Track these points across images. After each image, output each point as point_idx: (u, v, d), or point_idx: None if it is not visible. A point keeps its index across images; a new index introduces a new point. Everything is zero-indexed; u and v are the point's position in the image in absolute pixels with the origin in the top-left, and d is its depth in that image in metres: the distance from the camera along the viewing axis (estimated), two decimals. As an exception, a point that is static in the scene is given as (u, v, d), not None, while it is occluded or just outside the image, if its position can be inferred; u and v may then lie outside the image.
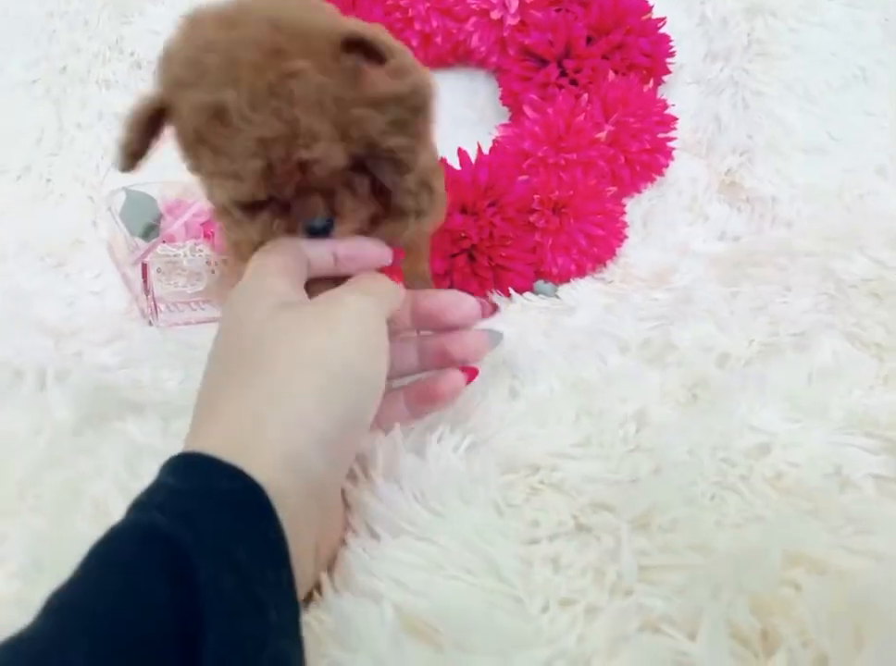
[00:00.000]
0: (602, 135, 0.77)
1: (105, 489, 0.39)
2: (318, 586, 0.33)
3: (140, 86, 0.86)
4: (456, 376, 0.44)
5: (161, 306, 0.69)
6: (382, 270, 0.41)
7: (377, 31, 0.36)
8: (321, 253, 0.39)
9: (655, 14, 0.80)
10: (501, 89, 0.85)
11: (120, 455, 0.42)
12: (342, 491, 0.38)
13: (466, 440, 0.42)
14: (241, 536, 0.27)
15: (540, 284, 0.77)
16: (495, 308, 0.48)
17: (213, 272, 0.71)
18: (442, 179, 0.47)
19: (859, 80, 0.84)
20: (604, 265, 0.79)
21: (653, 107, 0.80)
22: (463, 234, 0.72)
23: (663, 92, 0.83)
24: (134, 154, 0.37)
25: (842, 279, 0.58)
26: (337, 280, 0.40)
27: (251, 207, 0.38)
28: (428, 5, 0.81)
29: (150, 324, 0.69)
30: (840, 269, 0.59)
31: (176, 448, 0.31)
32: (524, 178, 0.76)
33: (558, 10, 0.79)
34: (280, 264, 0.37)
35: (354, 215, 0.39)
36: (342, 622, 0.31)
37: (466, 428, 0.44)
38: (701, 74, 0.86)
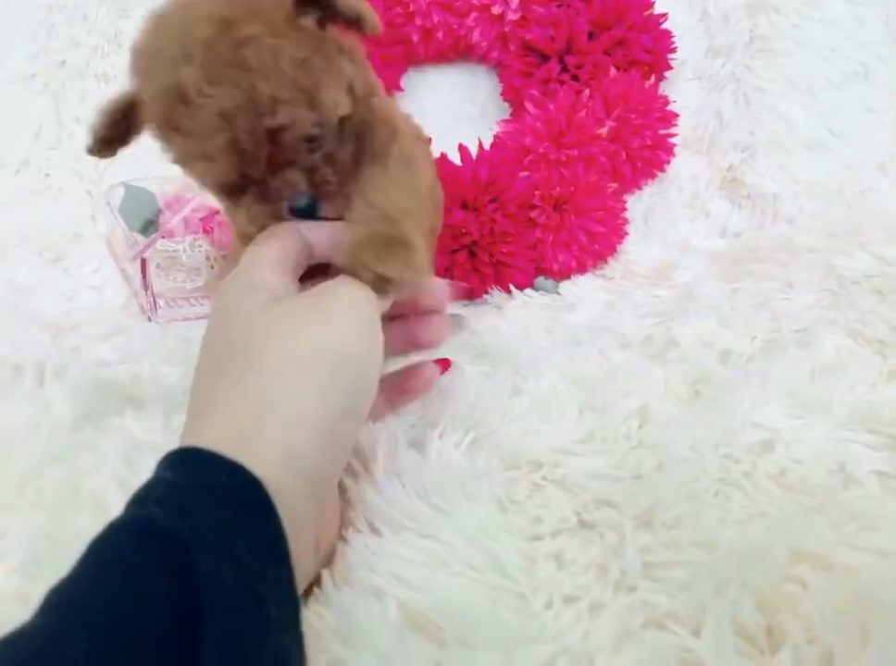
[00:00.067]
0: (603, 131, 0.77)
1: (104, 485, 0.39)
2: (318, 581, 0.33)
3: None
4: (431, 369, 0.44)
5: (160, 302, 0.69)
6: None
7: None
8: (325, 239, 0.38)
9: (657, 10, 0.80)
10: (502, 84, 0.84)
11: (120, 451, 0.41)
12: (341, 487, 0.38)
13: (469, 436, 0.42)
14: (240, 530, 0.27)
15: (540, 280, 0.77)
16: (468, 290, 0.48)
17: (212, 267, 0.71)
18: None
19: (860, 77, 0.83)
20: (605, 261, 0.79)
21: (655, 103, 0.80)
22: (464, 230, 0.72)
23: (664, 89, 0.83)
24: (102, 139, 0.37)
25: (844, 276, 0.58)
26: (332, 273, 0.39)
27: (233, 191, 0.37)
28: (429, 0, 0.80)
29: (149, 319, 0.69)
30: (842, 266, 0.58)
31: (175, 443, 0.31)
32: (525, 174, 0.76)
33: (559, 6, 0.78)
34: (275, 253, 0.36)
35: (338, 191, 0.38)
36: (344, 619, 0.31)
37: (468, 424, 0.43)
38: (702, 70, 0.85)
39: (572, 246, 0.76)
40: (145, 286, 0.67)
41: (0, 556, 0.35)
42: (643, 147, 0.79)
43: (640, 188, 0.84)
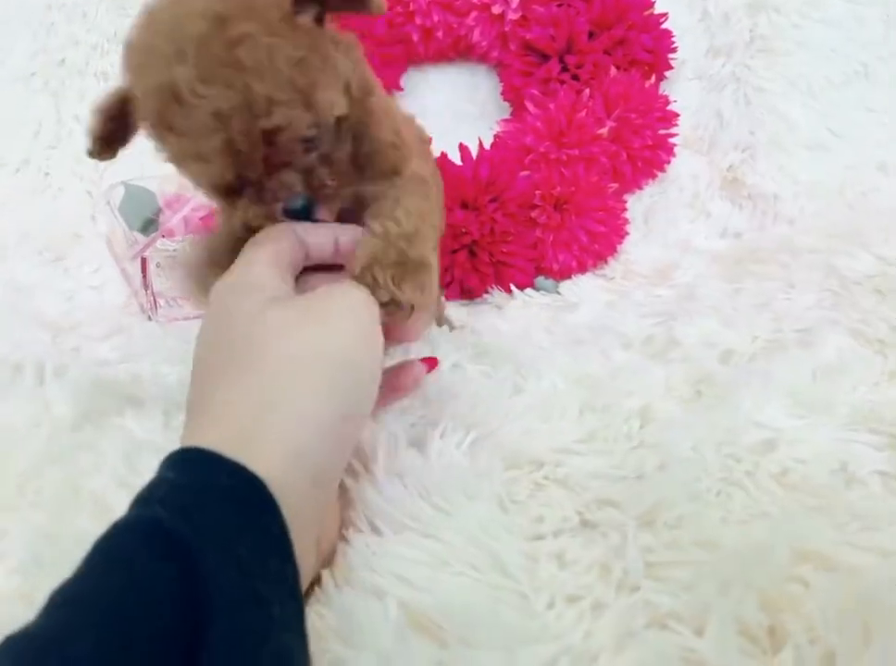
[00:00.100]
0: (603, 131, 0.77)
1: (104, 485, 0.39)
2: (319, 581, 0.33)
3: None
4: (417, 367, 0.43)
5: (160, 301, 0.68)
6: None
7: None
8: (321, 241, 0.38)
9: (657, 9, 0.80)
10: (502, 84, 0.84)
11: (120, 451, 0.41)
12: (342, 487, 0.38)
13: (470, 436, 0.42)
14: (242, 530, 0.27)
15: (540, 280, 0.77)
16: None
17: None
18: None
19: (861, 77, 0.83)
20: (605, 261, 0.79)
21: (655, 103, 0.80)
22: (464, 229, 0.72)
23: (664, 88, 0.83)
24: (100, 138, 0.36)
25: (846, 276, 0.58)
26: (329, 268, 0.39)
27: (228, 192, 0.36)
28: (429, -1, 0.80)
29: (149, 319, 0.69)
30: (844, 266, 0.58)
31: (176, 443, 0.31)
32: (525, 173, 0.76)
33: (560, 5, 0.78)
34: (272, 253, 0.36)
35: (335, 193, 0.37)
36: (345, 618, 0.31)
37: (469, 424, 0.43)
38: (703, 70, 0.85)
39: (572, 246, 0.76)
40: (145, 285, 0.67)
41: (0, 556, 0.35)
42: (644, 147, 0.79)
43: (640, 188, 0.84)
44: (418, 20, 0.80)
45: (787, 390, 0.44)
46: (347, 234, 0.38)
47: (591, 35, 0.78)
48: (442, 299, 0.67)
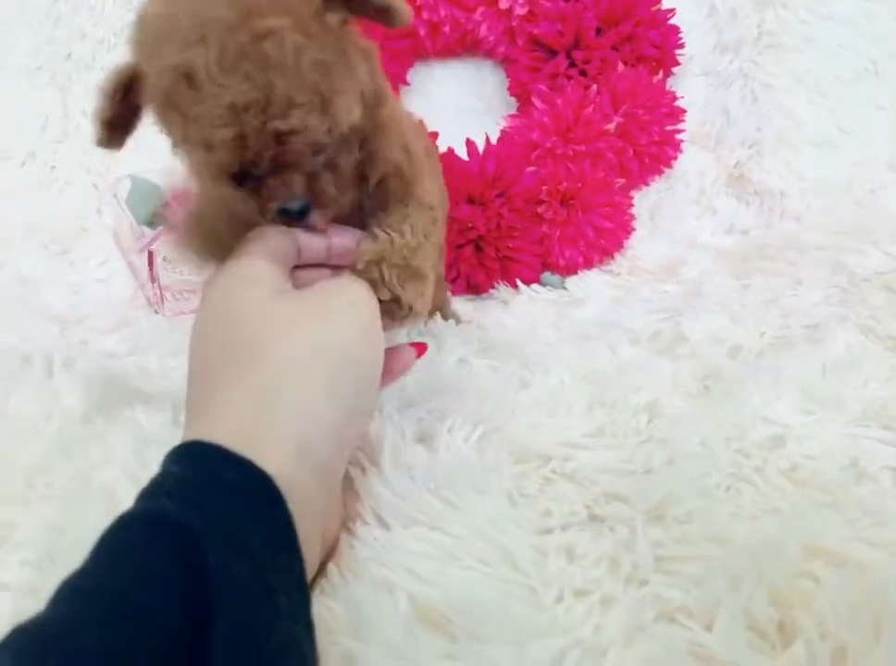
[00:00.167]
0: (610, 127, 0.77)
1: (114, 477, 0.39)
2: (324, 574, 0.33)
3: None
4: (408, 352, 0.43)
5: (167, 294, 0.68)
6: None
7: None
8: (315, 241, 0.37)
9: (665, 5, 0.80)
10: (509, 79, 0.84)
11: (129, 443, 0.41)
12: (348, 479, 0.38)
13: (478, 430, 0.42)
14: (249, 521, 0.27)
15: (547, 276, 0.77)
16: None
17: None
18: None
19: (870, 74, 0.83)
20: (612, 257, 0.79)
21: (662, 99, 0.79)
22: (470, 225, 0.72)
23: (672, 84, 0.83)
24: (107, 122, 0.34)
25: (855, 273, 0.57)
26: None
27: (225, 180, 0.34)
28: (436, -6, 0.80)
29: (156, 312, 0.69)
30: (853, 263, 0.58)
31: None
32: (532, 169, 0.76)
33: (567, 0, 0.78)
34: (270, 248, 0.36)
35: (334, 202, 0.36)
36: (354, 612, 0.31)
37: (477, 418, 0.43)
38: (710, 66, 0.85)
39: (579, 242, 0.76)
40: (152, 278, 0.67)
41: (11, 548, 0.35)
42: (651, 143, 0.79)
43: (646, 184, 0.84)
44: (425, 15, 0.80)
45: (796, 386, 0.44)
46: (342, 235, 0.38)
47: (598, 31, 0.78)
48: (448, 294, 0.67)
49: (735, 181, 0.84)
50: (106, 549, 0.25)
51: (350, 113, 0.34)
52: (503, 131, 0.80)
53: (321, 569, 0.33)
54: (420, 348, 0.44)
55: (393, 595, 0.31)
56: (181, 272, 0.67)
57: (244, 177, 0.34)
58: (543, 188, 0.75)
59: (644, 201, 0.83)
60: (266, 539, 0.27)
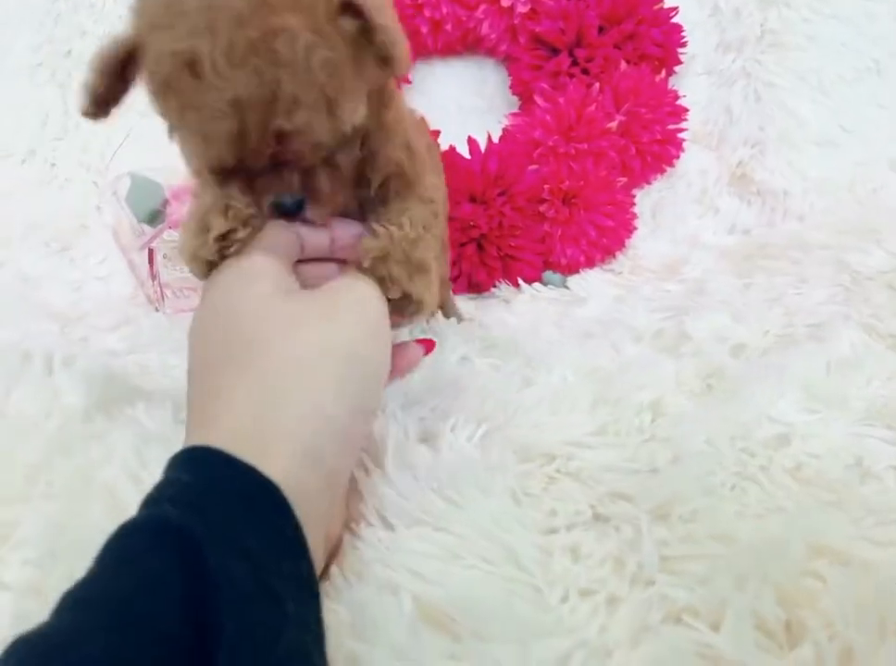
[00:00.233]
0: (613, 125, 0.76)
1: (114, 475, 0.38)
2: (326, 575, 0.33)
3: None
4: (414, 349, 0.43)
5: (167, 292, 0.68)
6: None
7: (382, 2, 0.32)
8: (318, 235, 0.37)
9: (668, 4, 0.80)
10: (511, 77, 0.84)
11: (130, 441, 0.41)
12: (351, 480, 0.38)
13: (481, 429, 0.42)
14: (252, 527, 0.26)
15: (548, 274, 0.76)
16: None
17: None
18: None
19: (872, 73, 0.83)
20: (613, 256, 0.79)
21: (665, 98, 0.79)
22: (472, 223, 0.72)
23: (674, 83, 0.82)
24: (99, 98, 0.34)
25: (858, 272, 0.57)
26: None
27: (220, 173, 0.34)
28: (438, -8, 0.80)
29: (156, 310, 0.69)
30: (856, 262, 0.58)
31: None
32: (534, 167, 0.75)
33: (570, -2, 0.78)
34: (270, 243, 0.35)
35: (331, 199, 0.36)
36: (358, 613, 0.31)
37: (480, 417, 0.43)
38: (713, 65, 0.85)
39: (580, 240, 0.76)
40: (152, 276, 0.67)
41: (13, 547, 0.35)
42: (653, 142, 0.79)
43: (648, 183, 0.84)
44: (427, 13, 0.79)
45: (800, 385, 0.44)
46: (345, 228, 0.38)
47: (600, 29, 0.78)
48: (451, 292, 0.67)
49: (737, 181, 0.84)
50: (110, 557, 0.25)
51: (355, 114, 0.33)
52: (504, 130, 0.80)
53: (324, 572, 0.33)
54: (429, 345, 0.44)
55: (397, 596, 0.31)
56: (182, 269, 0.67)
57: (238, 170, 0.33)
58: (545, 186, 0.74)
59: (646, 200, 0.83)
60: (271, 545, 0.26)
